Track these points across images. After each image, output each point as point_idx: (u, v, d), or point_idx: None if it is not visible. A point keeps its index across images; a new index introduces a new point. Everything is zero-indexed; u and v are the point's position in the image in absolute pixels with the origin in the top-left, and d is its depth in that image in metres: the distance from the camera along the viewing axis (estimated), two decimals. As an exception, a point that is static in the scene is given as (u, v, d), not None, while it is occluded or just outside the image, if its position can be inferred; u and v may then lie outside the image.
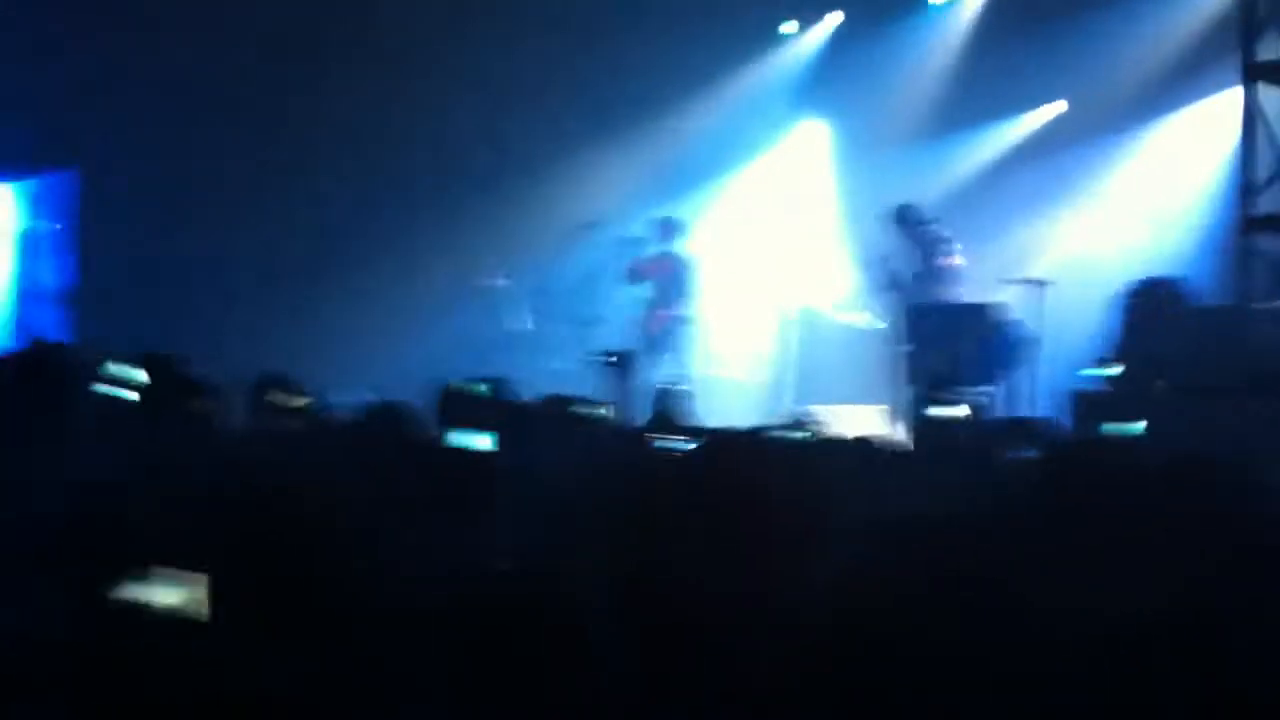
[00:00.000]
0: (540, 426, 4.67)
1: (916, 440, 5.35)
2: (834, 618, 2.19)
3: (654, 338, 11.02)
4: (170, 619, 2.18)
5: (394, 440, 3.97)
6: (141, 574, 2.21)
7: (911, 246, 10.38)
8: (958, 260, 10.38)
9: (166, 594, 2.19)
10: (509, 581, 2.44)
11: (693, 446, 3.35)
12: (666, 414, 6.15)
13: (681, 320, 11.22)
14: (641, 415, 6.84)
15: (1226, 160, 8.99)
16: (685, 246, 11.53)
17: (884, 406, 9.84)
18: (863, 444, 4.28)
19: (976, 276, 10.49)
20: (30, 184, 12.24)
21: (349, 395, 8.11)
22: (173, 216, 11.57)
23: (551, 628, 2.14)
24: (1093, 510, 2.84)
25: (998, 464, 4.07)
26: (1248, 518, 2.74)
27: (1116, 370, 5.19)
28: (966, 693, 2.25)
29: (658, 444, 3.72)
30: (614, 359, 6.16)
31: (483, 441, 3.70)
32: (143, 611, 2.17)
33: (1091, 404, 8.11)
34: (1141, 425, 4.57)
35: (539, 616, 2.20)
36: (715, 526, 1.97)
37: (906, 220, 10.47)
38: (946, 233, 10.46)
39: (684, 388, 7.16)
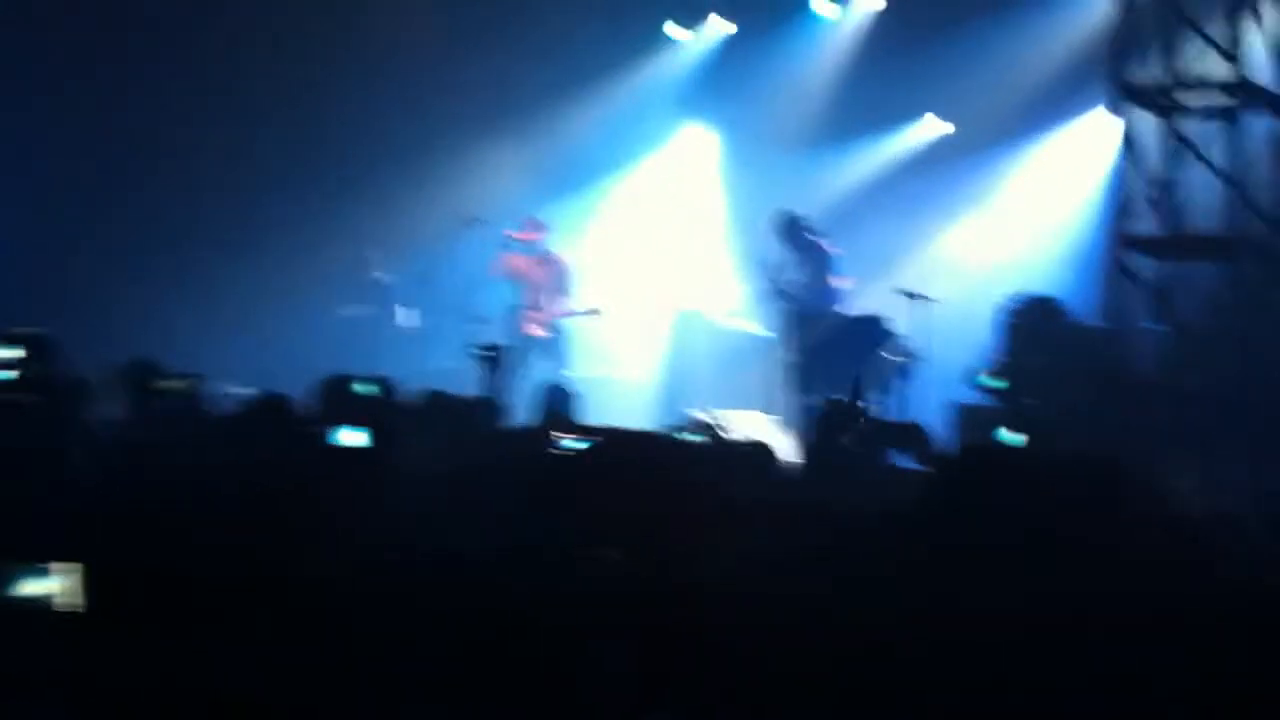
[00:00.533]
0: (424, 423, 4.61)
1: (809, 446, 5.38)
2: (729, 608, 2.18)
3: (528, 338, 10.88)
4: (45, 609, 2.13)
5: (277, 432, 3.88)
6: (14, 566, 2.16)
7: (799, 258, 10.43)
8: (846, 283, 10.46)
9: (41, 585, 2.15)
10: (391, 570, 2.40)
11: (586, 445, 3.32)
12: (557, 411, 6.10)
13: (556, 323, 11.10)
14: (524, 411, 6.79)
15: (1104, 178, 9.23)
16: (559, 248, 11.42)
17: (771, 414, 9.90)
18: (760, 448, 4.29)
19: (861, 286, 10.62)
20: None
21: (228, 385, 7.95)
22: (51, 194, 11.26)
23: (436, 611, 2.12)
24: (979, 511, 2.90)
25: (889, 472, 4.12)
26: (1133, 515, 2.84)
27: (1003, 383, 5.29)
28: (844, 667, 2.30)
29: (553, 442, 3.68)
30: (488, 353, 6.10)
31: (358, 438, 3.68)
32: (18, 602, 2.11)
33: (973, 416, 8.28)
34: (1023, 438, 4.67)
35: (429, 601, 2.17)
36: (613, 518, 1.94)
37: (795, 232, 10.50)
38: (836, 250, 10.53)
39: (572, 387, 7.10)
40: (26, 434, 3.08)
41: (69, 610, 2.18)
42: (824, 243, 10.49)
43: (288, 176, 12.05)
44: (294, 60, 11.82)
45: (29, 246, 11.08)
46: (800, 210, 10.68)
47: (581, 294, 11.22)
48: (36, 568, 2.24)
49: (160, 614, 2.46)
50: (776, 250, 10.53)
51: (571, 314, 11.10)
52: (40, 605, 2.19)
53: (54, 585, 2.21)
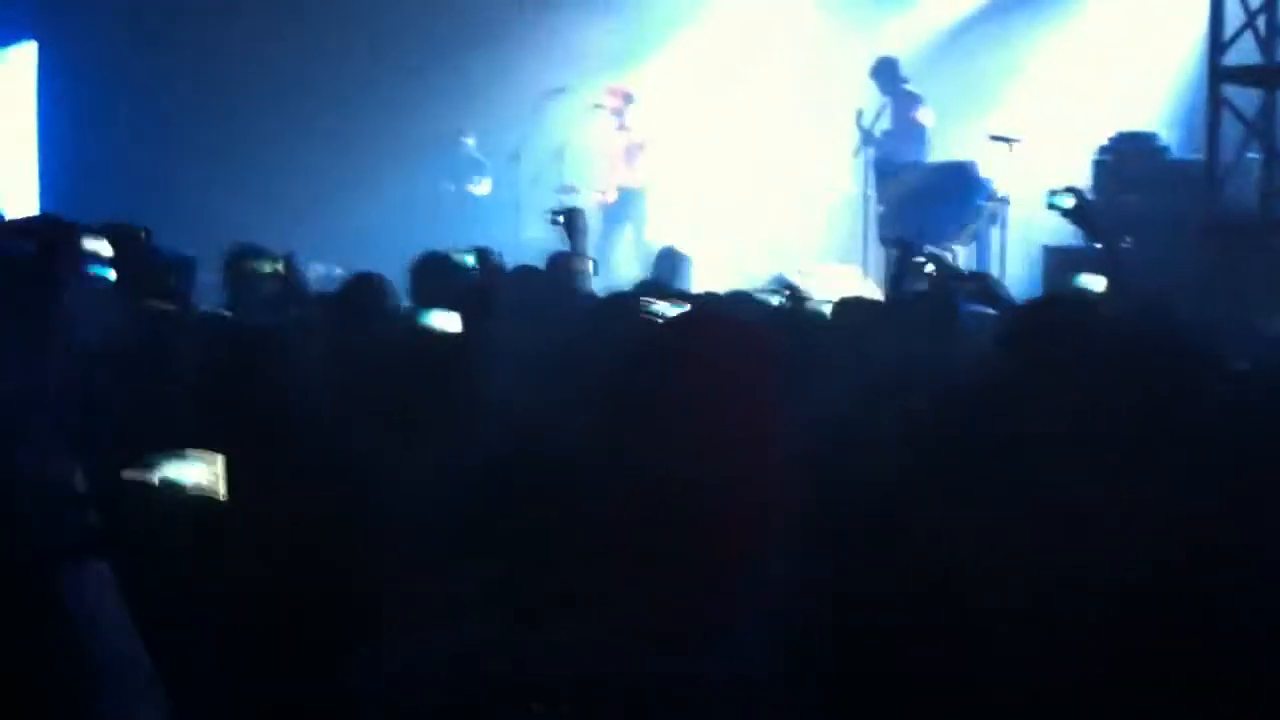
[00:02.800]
0: (516, 298, 4.67)
1: (888, 300, 5.40)
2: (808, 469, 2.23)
3: (608, 208, 10.91)
4: (190, 498, 2.22)
5: (373, 314, 3.98)
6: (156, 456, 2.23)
7: (894, 104, 10.30)
8: (928, 116, 10.32)
9: (184, 473, 2.22)
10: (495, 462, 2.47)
11: (675, 313, 3.37)
12: (660, 277, 6.17)
13: (627, 191, 11.11)
14: (626, 279, 6.87)
15: (1197, 12, 8.91)
16: (642, 118, 11.36)
17: (857, 267, 9.89)
18: (840, 305, 4.34)
19: (950, 131, 10.47)
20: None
21: (318, 265, 8.12)
22: (128, 87, 11.40)
23: (545, 503, 2.18)
24: (1052, 370, 2.87)
25: (962, 322, 4.13)
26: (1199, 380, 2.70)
27: (1070, 201, 5.23)
28: (934, 560, 2.28)
29: (646, 309, 3.70)
30: (559, 217, 6.15)
31: (450, 322, 3.63)
32: (162, 491, 2.20)
33: (1060, 259, 8.19)
34: (1102, 281, 4.62)
35: (533, 492, 2.25)
36: (691, 395, 2.00)
37: (893, 75, 10.36)
38: (917, 90, 10.42)
39: (681, 252, 7.13)
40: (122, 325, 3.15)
41: (213, 499, 2.25)
42: (907, 86, 10.36)
43: (364, 57, 12.08)
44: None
45: (131, 141, 11.27)
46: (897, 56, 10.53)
47: (651, 165, 11.17)
48: (182, 455, 2.27)
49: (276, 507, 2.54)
50: (869, 101, 10.38)
51: (638, 182, 11.09)
52: (190, 494, 2.24)
53: (199, 473, 2.26)
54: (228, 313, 4.53)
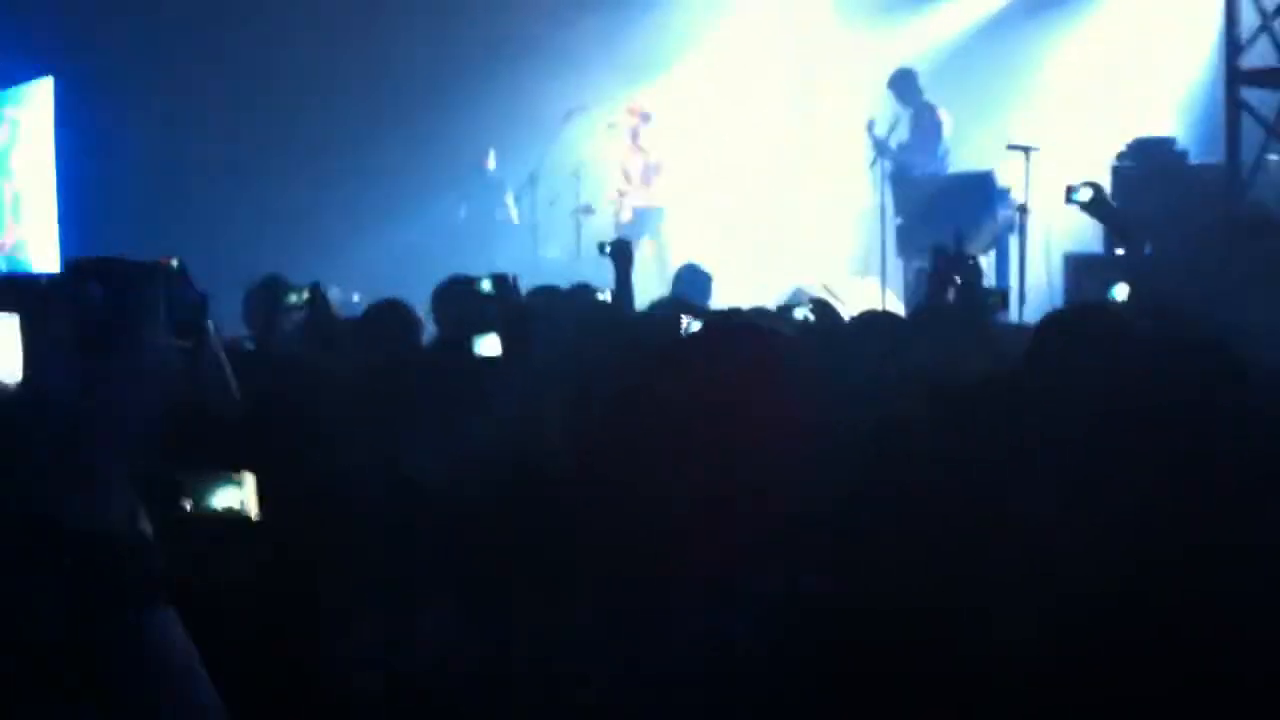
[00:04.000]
0: (540, 321, 4.69)
1: (912, 316, 5.40)
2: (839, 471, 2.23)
3: (626, 225, 10.90)
4: (225, 520, 2.24)
5: (401, 340, 4.01)
6: (191, 478, 2.26)
7: (904, 113, 10.28)
8: (948, 124, 10.26)
9: (220, 497, 2.25)
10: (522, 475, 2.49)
11: (696, 328, 3.38)
12: (684, 294, 6.19)
13: (657, 208, 11.11)
14: (644, 298, 6.89)
15: (1213, 14, 8.91)
16: (657, 136, 11.37)
17: (875, 280, 9.88)
18: (865, 317, 4.34)
19: (964, 143, 10.46)
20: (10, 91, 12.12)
21: (341, 293, 8.16)
22: (146, 121, 11.49)
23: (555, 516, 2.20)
24: (1079, 377, 2.87)
25: (990, 330, 4.13)
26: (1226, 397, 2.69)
27: (1088, 194, 5.24)
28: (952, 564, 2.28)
29: (671, 324, 3.72)
30: (610, 249, 6.20)
31: (491, 345, 3.71)
32: (199, 515, 2.23)
33: (1083, 266, 8.18)
34: (1125, 290, 4.62)
35: (550, 508, 2.26)
36: (711, 410, 2.01)
37: (911, 86, 10.32)
38: (934, 100, 10.42)
39: (703, 269, 7.16)
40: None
41: (249, 520, 2.27)
42: (925, 97, 10.34)
43: (381, 82, 12.14)
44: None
45: (149, 173, 11.35)
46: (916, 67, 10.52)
47: (667, 185, 11.19)
48: (230, 477, 2.29)
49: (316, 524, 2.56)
50: (887, 111, 10.33)
51: (655, 200, 11.10)
52: (233, 516, 2.27)
53: (243, 494, 2.28)
54: (250, 345, 4.56)
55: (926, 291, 5.33)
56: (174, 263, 4.05)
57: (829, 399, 2.43)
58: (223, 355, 3.01)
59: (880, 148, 10.08)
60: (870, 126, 10.15)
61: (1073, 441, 2.56)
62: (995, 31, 11.76)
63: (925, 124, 10.25)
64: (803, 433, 1.93)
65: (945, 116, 10.29)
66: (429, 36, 12.16)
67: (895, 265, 9.82)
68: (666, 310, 4.81)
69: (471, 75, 12.10)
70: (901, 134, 10.27)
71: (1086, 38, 11.50)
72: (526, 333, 3.93)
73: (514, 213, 12.02)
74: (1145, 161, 8.69)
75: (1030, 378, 2.97)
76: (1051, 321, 3.36)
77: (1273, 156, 8.07)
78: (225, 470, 2.27)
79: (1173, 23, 11.07)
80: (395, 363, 3.69)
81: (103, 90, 11.48)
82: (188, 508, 2.23)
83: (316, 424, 3.01)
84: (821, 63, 12.69)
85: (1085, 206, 5.40)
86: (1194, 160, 8.93)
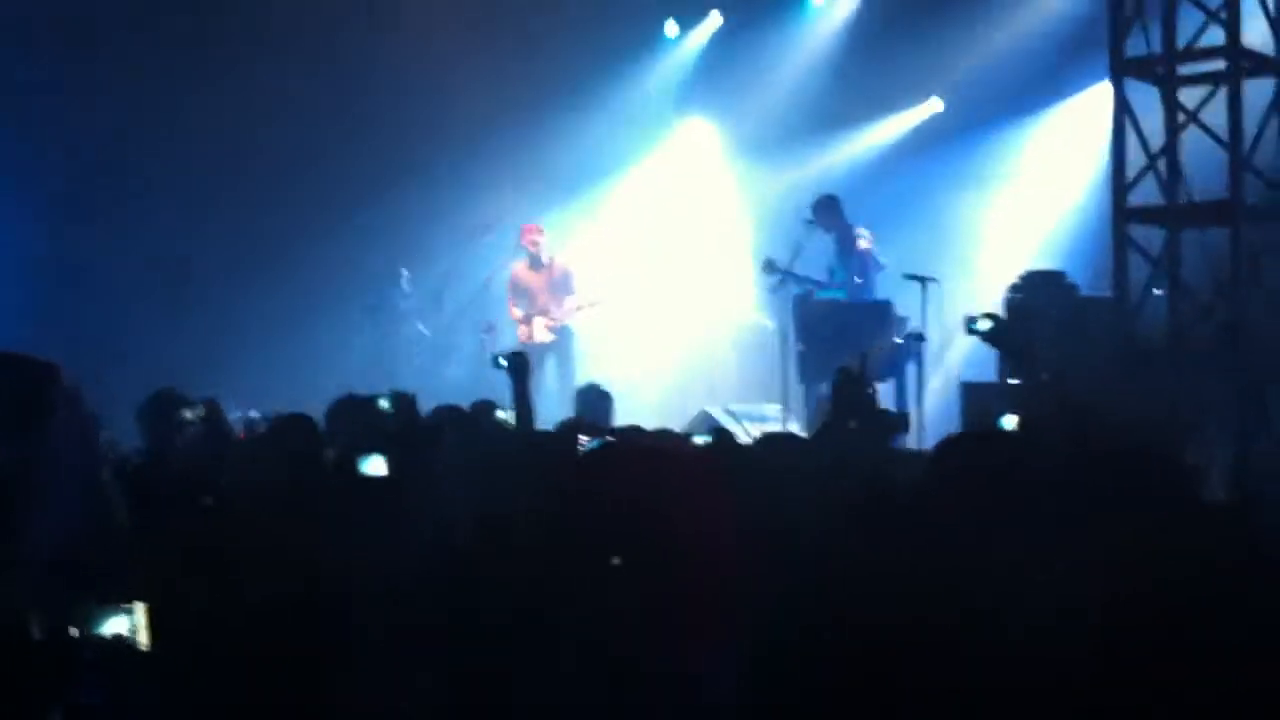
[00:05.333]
0: (439, 438, 4.67)
1: (815, 437, 5.45)
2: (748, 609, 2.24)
3: (531, 344, 10.82)
4: (114, 647, 2.19)
5: (300, 455, 3.95)
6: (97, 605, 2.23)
7: (830, 237, 10.37)
8: (868, 238, 10.36)
9: (111, 624, 2.20)
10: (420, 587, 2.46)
11: (594, 447, 3.38)
12: (585, 414, 6.18)
13: (560, 327, 11.11)
14: (549, 417, 6.87)
15: (1101, 153, 9.26)
16: (561, 251, 11.43)
17: (778, 405, 9.96)
18: (767, 442, 4.36)
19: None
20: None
21: (241, 408, 8.05)
22: (53, 217, 11.36)
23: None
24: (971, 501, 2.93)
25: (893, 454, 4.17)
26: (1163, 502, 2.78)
27: (989, 325, 5.39)
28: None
29: (580, 444, 3.74)
30: (511, 361, 6.20)
31: (377, 466, 3.70)
32: (89, 640, 2.18)
33: (978, 394, 8.33)
34: (1014, 420, 4.73)
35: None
36: (619, 528, 2.01)
37: (835, 212, 10.41)
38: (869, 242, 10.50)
39: (606, 389, 7.17)
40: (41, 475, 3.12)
41: (141, 648, 2.24)
42: (856, 230, 10.44)
43: (292, 197, 12.14)
44: (295, 78, 11.90)
45: (39, 277, 11.18)
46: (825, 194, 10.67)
47: (583, 293, 11.22)
48: (119, 607, 2.27)
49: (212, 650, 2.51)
50: (795, 236, 10.39)
51: (574, 312, 11.10)
52: (125, 644, 2.24)
53: (132, 624, 2.26)
54: (142, 459, 4.47)
55: (830, 412, 5.39)
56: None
57: (731, 508, 2.45)
58: (109, 478, 2.95)
59: (785, 277, 10.13)
60: (768, 265, 10.22)
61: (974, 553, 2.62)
62: (886, 166, 12.12)
63: (848, 246, 10.35)
64: (703, 541, 1.94)
65: (866, 235, 10.40)
66: (342, 151, 12.22)
67: (798, 390, 9.93)
68: (573, 429, 4.80)
69: (383, 191, 12.16)
70: (807, 260, 10.36)
71: (979, 175, 11.89)
72: (424, 451, 3.90)
73: (420, 330, 12.00)
74: (1037, 293, 8.93)
75: (929, 498, 3.01)
76: (949, 445, 3.41)
77: (1157, 291, 8.33)
78: (115, 600, 2.24)
79: (1062, 160, 11.50)
80: (297, 479, 3.64)
81: (9, 193, 11.36)
82: (75, 634, 2.18)
83: (219, 548, 2.94)
84: (726, 192, 12.97)
85: (985, 336, 5.53)
86: (1085, 292, 9.20)
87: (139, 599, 2.24)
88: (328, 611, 2.65)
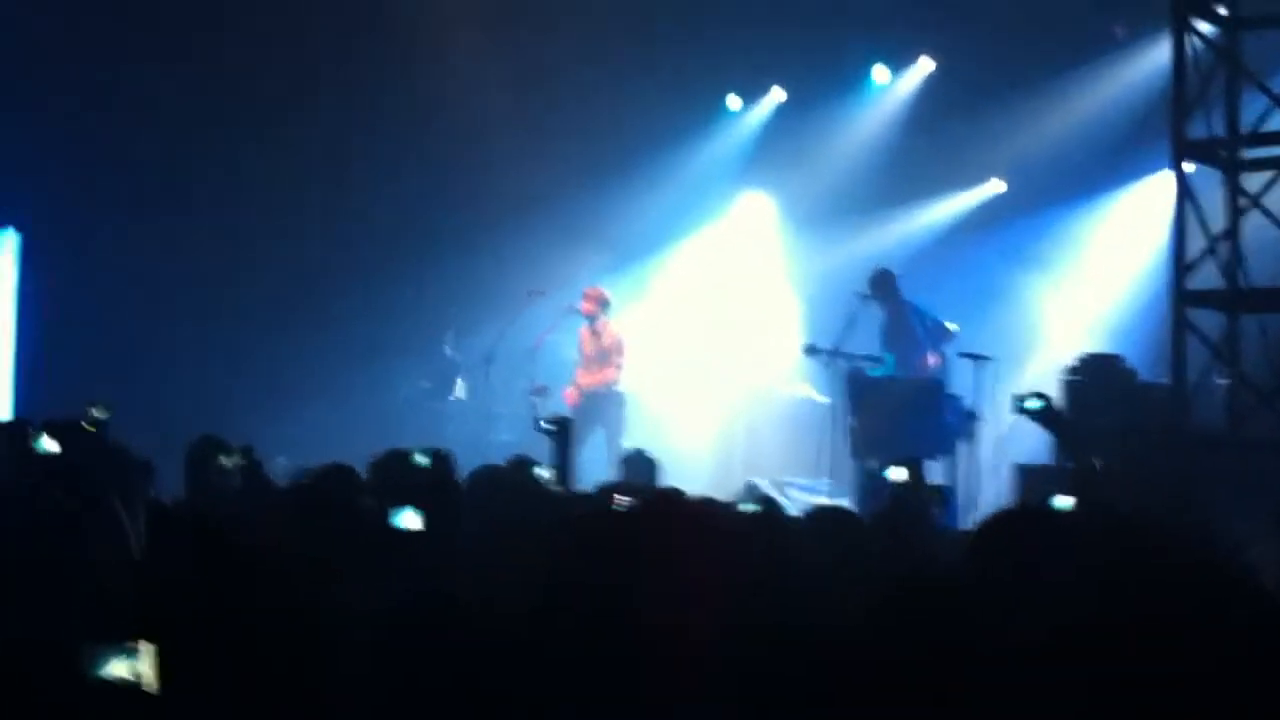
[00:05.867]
0: (474, 497, 4.66)
1: (864, 512, 5.38)
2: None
3: (578, 408, 10.80)
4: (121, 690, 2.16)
5: (339, 505, 3.95)
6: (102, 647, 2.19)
7: (892, 313, 10.33)
8: (932, 359, 10.31)
9: (118, 666, 2.17)
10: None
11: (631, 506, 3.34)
12: (632, 479, 6.16)
13: (598, 391, 11.07)
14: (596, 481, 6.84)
15: (1162, 237, 9.18)
16: (617, 320, 11.44)
17: (828, 479, 9.87)
18: (816, 516, 4.31)
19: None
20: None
21: (282, 459, 8.09)
22: (107, 279, 11.54)
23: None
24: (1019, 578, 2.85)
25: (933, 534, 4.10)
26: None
27: (1036, 404, 5.32)
28: None
29: (602, 502, 3.72)
30: (552, 427, 6.20)
31: (409, 520, 3.71)
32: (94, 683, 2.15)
33: (1032, 476, 8.20)
34: (1068, 502, 4.63)
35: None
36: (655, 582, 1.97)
37: (885, 285, 10.40)
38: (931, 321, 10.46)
39: (652, 455, 7.15)
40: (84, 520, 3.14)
41: (148, 691, 2.20)
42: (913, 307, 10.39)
43: (347, 254, 12.28)
44: (355, 137, 12.07)
45: (85, 326, 11.34)
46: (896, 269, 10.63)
47: (627, 365, 11.20)
48: (124, 647, 2.24)
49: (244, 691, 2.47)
50: (850, 309, 10.34)
51: (608, 385, 11.06)
52: (129, 686, 2.20)
53: (140, 666, 2.22)
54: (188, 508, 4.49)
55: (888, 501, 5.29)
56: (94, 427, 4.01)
57: (774, 582, 2.40)
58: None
59: (831, 357, 10.07)
60: (809, 349, 10.16)
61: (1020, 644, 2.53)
62: (944, 245, 12.08)
63: (900, 322, 10.30)
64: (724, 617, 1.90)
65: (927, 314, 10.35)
66: (392, 216, 12.37)
67: (849, 465, 9.82)
68: (605, 492, 4.78)
69: (435, 258, 12.27)
70: (860, 335, 10.31)
71: (1039, 256, 11.82)
72: (456, 506, 3.90)
73: (460, 391, 12.06)
74: (1094, 376, 8.82)
75: (972, 579, 2.93)
76: (995, 523, 3.34)
77: (1219, 380, 8.20)
78: (121, 639, 2.20)
79: (1123, 242, 11.41)
80: (329, 527, 3.63)
81: (65, 249, 11.56)
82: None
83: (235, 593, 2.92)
84: (780, 265, 12.97)
85: (1034, 416, 5.46)
86: (1143, 378, 9.07)
87: (147, 639, 2.20)
88: (333, 660, 2.61)
